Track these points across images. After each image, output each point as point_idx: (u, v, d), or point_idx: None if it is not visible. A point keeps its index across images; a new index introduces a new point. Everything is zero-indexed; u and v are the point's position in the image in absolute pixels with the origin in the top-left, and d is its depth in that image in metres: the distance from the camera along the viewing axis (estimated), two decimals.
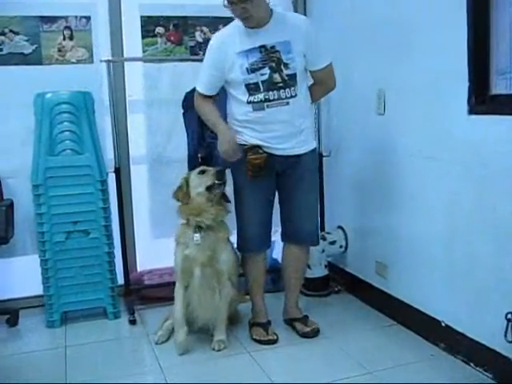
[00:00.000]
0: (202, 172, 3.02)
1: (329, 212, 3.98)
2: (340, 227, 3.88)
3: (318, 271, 3.79)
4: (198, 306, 3.05)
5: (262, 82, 2.84)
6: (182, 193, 3.00)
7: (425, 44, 2.91)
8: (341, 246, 3.84)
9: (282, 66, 2.83)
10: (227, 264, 3.05)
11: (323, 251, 3.78)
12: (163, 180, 3.88)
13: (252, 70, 2.83)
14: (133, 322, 3.40)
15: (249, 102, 2.87)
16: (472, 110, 2.63)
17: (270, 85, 2.84)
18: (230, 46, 2.86)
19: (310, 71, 2.97)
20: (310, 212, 3.14)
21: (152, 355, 2.99)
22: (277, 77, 2.83)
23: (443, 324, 2.90)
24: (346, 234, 3.84)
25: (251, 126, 2.93)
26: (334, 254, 3.87)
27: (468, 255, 2.71)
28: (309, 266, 3.77)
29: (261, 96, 2.85)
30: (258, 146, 2.93)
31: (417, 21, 2.96)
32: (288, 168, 3.01)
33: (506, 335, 2.47)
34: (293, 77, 2.85)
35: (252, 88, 2.85)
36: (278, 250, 3.98)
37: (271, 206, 3.14)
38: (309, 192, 3.10)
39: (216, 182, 2.95)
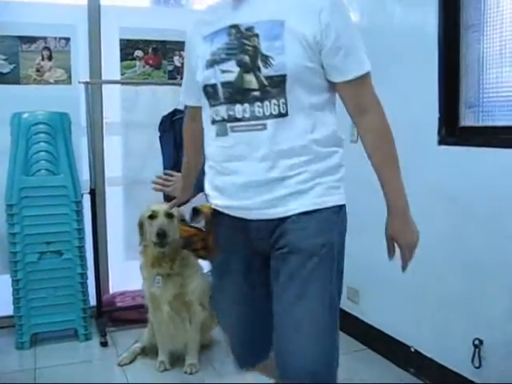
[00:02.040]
0: (152, 217, 2.97)
1: None
2: None
3: None
4: (168, 337, 3.08)
5: (223, 84, 1.65)
6: (140, 233, 3.04)
7: (397, 75, 2.99)
8: None
9: (260, 62, 1.59)
10: (197, 293, 3.06)
11: None
12: (138, 202, 3.86)
13: (211, 63, 1.68)
14: (104, 344, 3.37)
15: (213, 122, 1.71)
16: (442, 141, 2.71)
17: (237, 92, 1.63)
18: (204, 28, 1.76)
19: (333, 83, 1.71)
20: (309, 331, 1.64)
21: (123, 378, 2.98)
22: (250, 79, 1.61)
23: (412, 349, 2.95)
24: None
25: (213, 165, 1.78)
26: None
27: (437, 283, 2.77)
28: None
29: (222, 110, 1.67)
30: (197, 210, 1.90)
31: (390, 53, 3.04)
32: (273, 245, 1.73)
33: (472, 361, 2.53)
34: (278, 81, 1.59)
35: (211, 95, 1.70)
36: None
37: (260, 314, 1.82)
38: (306, 297, 1.65)
39: (155, 241, 2.92)
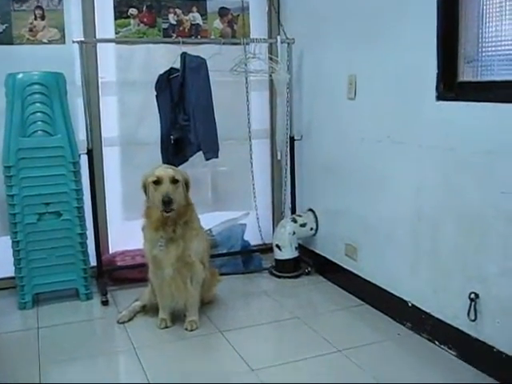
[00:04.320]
0: (157, 182, 2.92)
1: (299, 195, 4.04)
2: (310, 210, 3.95)
3: (289, 253, 3.85)
4: (170, 297, 3.10)
5: None
6: (145, 193, 3.02)
7: (395, 31, 2.96)
8: (311, 229, 3.90)
9: None
10: (198, 253, 3.08)
11: (294, 233, 3.84)
12: (136, 162, 3.90)
13: None
14: (105, 303, 3.41)
15: None
16: (440, 97, 2.69)
17: None
18: None
19: None
20: None
21: (125, 335, 3.02)
22: None
23: (410, 304, 3.00)
24: (316, 217, 3.90)
25: None
26: (305, 236, 3.93)
27: (434, 237, 2.80)
28: (279, 248, 3.84)
29: None
30: None
31: (388, 9, 3.01)
32: None
33: (468, 314, 2.57)
34: None
35: None
36: (249, 232, 4.05)
37: None
38: None
39: (160, 207, 2.89)
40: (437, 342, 2.81)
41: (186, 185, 3.01)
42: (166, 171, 2.94)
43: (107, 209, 3.87)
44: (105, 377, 2.68)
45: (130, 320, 3.18)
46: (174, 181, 2.92)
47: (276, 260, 3.91)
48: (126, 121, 3.91)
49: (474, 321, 2.56)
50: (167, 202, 2.85)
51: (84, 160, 3.47)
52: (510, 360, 2.40)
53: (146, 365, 2.69)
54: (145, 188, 3.00)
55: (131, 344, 2.91)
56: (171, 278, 3.04)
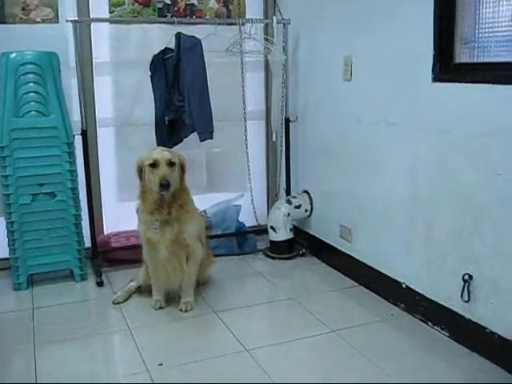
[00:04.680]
0: (154, 165, 2.90)
1: (294, 176, 4.03)
2: (305, 191, 3.95)
3: (283, 234, 3.86)
4: (165, 279, 3.11)
5: None
6: (140, 177, 2.99)
7: (392, 12, 2.94)
8: (306, 210, 3.90)
9: None
10: (193, 235, 3.07)
11: (288, 215, 3.84)
12: (130, 143, 3.89)
13: None
14: (100, 284, 3.42)
15: None
16: (436, 78, 2.68)
17: None
18: None
19: None
20: None
21: (120, 316, 3.03)
22: None
23: (403, 285, 3.01)
24: (311, 198, 3.90)
25: None
26: (299, 217, 3.94)
27: (428, 219, 2.81)
28: (274, 229, 3.85)
29: None
30: None
31: None
32: None
33: (462, 295, 2.59)
34: None
35: None
36: (243, 214, 4.05)
37: None
38: None
39: (157, 190, 2.88)
40: (430, 323, 2.83)
41: (182, 168, 2.99)
42: (162, 154, 2.91)
43: (102, 190, 3.86)
44: (100, 357, 2.71)
45: (125, 301, 3.19)
46: (171, 163, 2.90)
47: (270, 241, 3.92)
48: (121, 101, 3.88)
49: (467, 302, 2.58)
50: (165, 185, 2.83)
51: (78, 141, 3.45)
52: (502, 340, 2.42)
53: (141, 345, 2.70)
54: (140, 171, 2.97)
55: (126, 324, 2.92)
56: (166, 259, 3.04)
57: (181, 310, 3.06)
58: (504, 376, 2.38)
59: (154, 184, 2.87)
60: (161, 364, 2.52)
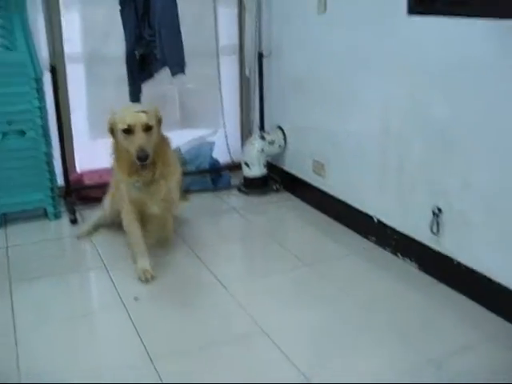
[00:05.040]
0: (128, 131, 2.59)
1: (268, 112, 4.01)
2: (279, 127, 3.94)
3: (257, 170, 3.87)
4: (152, 237, 3.01)
5: None
6: (112, 139, 2.74)
7: None
8: (279, 146, 3.90)
9: None
10: (175, 187, 2.93)
11: (262, 151, 3.85)
12: (101, 79, 3.81)
13: None
14: (74, 222, 3.42)
15: None
16: (411, 10, 2.64)
17: None
18: None
19: None
20: None
21: (95, 252, 3.05)
22: None
23: (375, 219, 3.07)
24: (284, 134, 3.90)
25: None
26: (273, 153, 3.94)
27: (400, 153, 2.83)
28: (247, 165, 3.85)
29: None
30: None
31: None
32: None
33: (431, 228, 2.65)
34: None
35: None
36: (217, 150, 4.04)
37: None
38: None
39: (135, 160, 2.60)
40: (400, 255, 2.91)
41: (159, 122, 2.73)
42: (137, 117, 2.59)
43: (73, 127, 3.79)
44: (76, 293, 2.73)
45: (90, 234, 3.20)
46: (148, 128, 2.61)
47: (244, 178, 3.93)
48: (90, 37, 3.76)
49: (436, 234, 2.65)
50: (143, 157, 2.56)
51: (48, 78, 3.37)
52: (468, 271, 2.50)
53: (117, 280, 2.74)
54: (112, 132, 2.71)
55: (102, 261, 2.94)
56: (148, 214, 2.91)
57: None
58: (470, 305, 2.47)
59: (130, 151, 2.61)
60: (136, 298, 2.57)
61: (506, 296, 2.33)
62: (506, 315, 2.34)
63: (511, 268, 2.31)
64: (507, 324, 2.32)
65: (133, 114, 2.62)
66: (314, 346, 2.25)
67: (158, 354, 2.17)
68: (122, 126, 2.60)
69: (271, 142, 3.88)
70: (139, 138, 2.57)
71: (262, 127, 4.01)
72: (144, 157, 2.56)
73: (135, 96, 3.56)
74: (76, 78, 3.77)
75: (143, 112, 2.63)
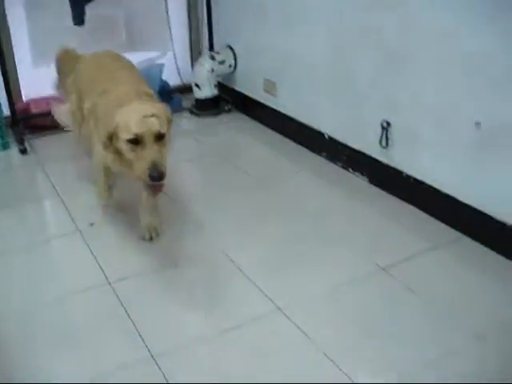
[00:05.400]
0: (136, 141, 2.04)
1: (217, 31, 3.93)
2: (229, 46, 3.87)
3: (208, 91, 3.83)
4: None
5: None
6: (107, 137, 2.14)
7: None
8: (230, 66, 3.85)
9: None
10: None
11: (212, 71, 3.79)
12: (42, 2, 3.63)
13: None
14: (23, 152, 3.35)
15: None
16: None
17: None
18: None
19: None
20: None
21: (47, 181, 3.02)
22: None
23: (326, 136, 3.10)
24: (234, 54, 3.84)
25: None
26: (224, 73, 3.89)
27: (350, 70, 2.84)
28: (198, 86, 3.81)
29: None
30: None
31: None
32: None
33: (380, 142, 2.71)
34: None
35: None
36: (167, 73, 3.97)
37: None
38: None
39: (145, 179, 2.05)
40: (350, 170, 2.97)
41: (169, 124, 2.20)
42: (147, 124, 2.04)
43: (15, 55, 3.65)
44: (32, 223, 2.73)
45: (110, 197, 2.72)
46: (160, 136, 2.07)
47: (196, 99, 3.89)
48: None
49: (385, 148, 2.71)
50: (156, 177, 2.01)
51: None
52: (417, 183, 2.58)
53: (72, 208, 2.74)
54: (110, 139, 2.13)
55: (55, 190, 2.92)
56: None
57: None
58: (416, 213, 2.58)
59: (138, 170, 2.05)
60: (92, 224, 2.59)
61: (452, 205, 2.42)
62: (452, 223, 2.44)
63: (457, 179, 2.40)
64: (454, 231, 2.42)
65: (141, 120, 2.04)
66: (270, 261, 2.32)
67: (115, 276, 2.22)
68: (126, 135, 2.05)
69: (221, 62, 3.82)
70: (152, 152, 2.03)
71: (211, 47, 3.94)
72: (158, 176, 2.01)
73: (79, 19, 3.42)
74: (15, 3, 3.59)
75: (153, 116, 2.07)
